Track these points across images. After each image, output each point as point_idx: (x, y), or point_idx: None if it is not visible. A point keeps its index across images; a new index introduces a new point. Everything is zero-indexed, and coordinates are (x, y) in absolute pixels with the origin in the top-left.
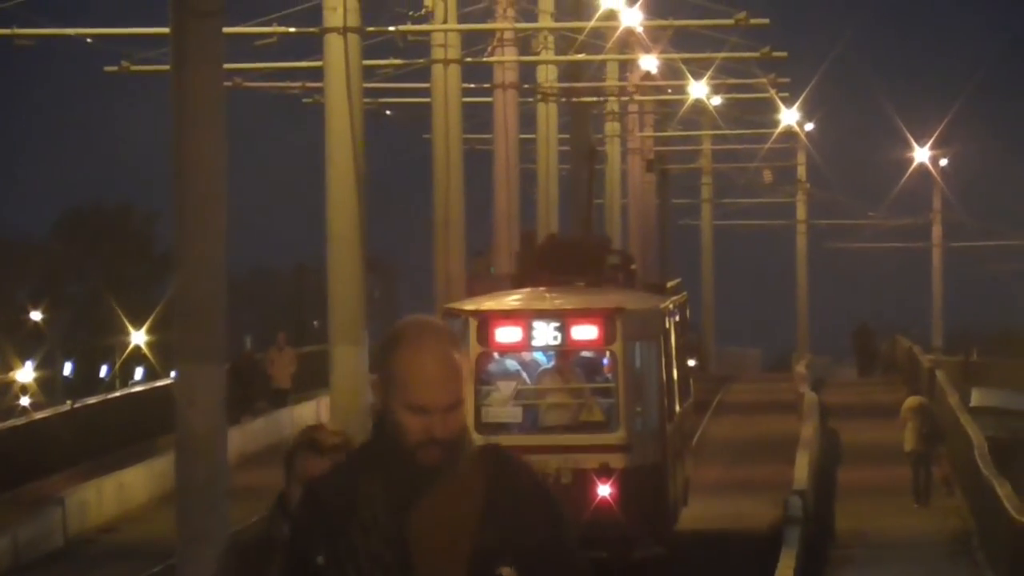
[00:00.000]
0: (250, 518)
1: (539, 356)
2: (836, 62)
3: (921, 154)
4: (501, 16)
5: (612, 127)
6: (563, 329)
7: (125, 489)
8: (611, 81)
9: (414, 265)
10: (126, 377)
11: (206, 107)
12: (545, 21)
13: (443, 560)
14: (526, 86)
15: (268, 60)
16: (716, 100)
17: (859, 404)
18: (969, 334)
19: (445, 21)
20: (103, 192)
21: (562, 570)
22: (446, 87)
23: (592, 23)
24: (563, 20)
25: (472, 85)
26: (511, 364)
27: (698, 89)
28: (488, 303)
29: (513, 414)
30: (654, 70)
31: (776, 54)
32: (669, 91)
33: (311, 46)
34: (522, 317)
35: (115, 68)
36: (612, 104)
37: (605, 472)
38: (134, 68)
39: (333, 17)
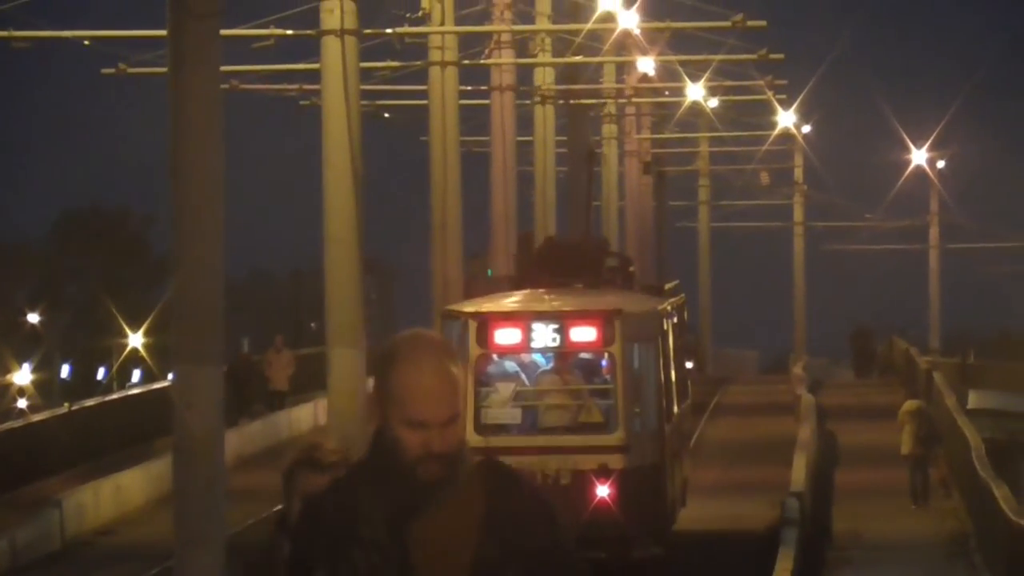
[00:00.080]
0: (247, 520)
1: (538, 358)
2: (833, 64)
3: (918, 156)
4: (498, 18)
5: (609, 129)
6: (562, 331)
7: (122, 491)
8: (608, 83)
9: (411, 267)
10: (123, 379)
11: (203, 109)
12: (542, 23)
13: (444, 573)
14: (523, 88)
15: (265, 62)
16: (713, 102)
17: (856, 406)
18: (966, 336)
19: (442, 23)
20: (101, 194)
21: None
22: (443, 89)
23: (589, 25)
24: (560, 22)
25: (469, 87)
26: (510, 366)
27: (695, 91)
28: (487, 305)
29: (512, 415)
30: (651, 72)
31: (773, 56)
32: (666, 93)
33: (308, 48)
34: (521, 319)
35: (112, 70)
36: (609, 106)
37: (604, 473)
38: (131, 70)
39: (330, 19)
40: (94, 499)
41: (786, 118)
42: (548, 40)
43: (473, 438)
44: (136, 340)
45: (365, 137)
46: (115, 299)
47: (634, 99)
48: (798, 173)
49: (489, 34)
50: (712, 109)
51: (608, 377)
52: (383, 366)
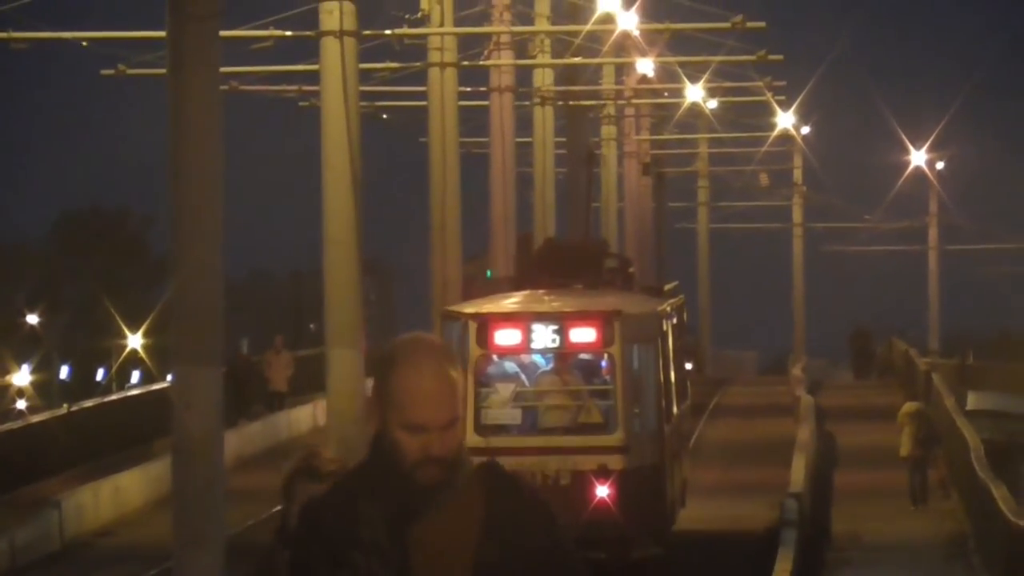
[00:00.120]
0: (247, 521)
1: (538, 358)
2: (833, 65)
3: (917, 157)
4: (497, 20)
5: (608, 130)
6: (562, 331)
7: (121, 492)
8: (607, 84)
9: (411, 268)
10: (123, 380)
11: (203, 110)
12: (541, 25)
13: None
14: (522, 89)
15: (264, 64)
16: (712, 103)
17: (855, 407)
18: (965, 337)
19: (441, 25)
20: (100, 195)
21: None
22: (442, 90)
23: (588, 26)
24: (559, 24)
25: (468, 88)
26: (510, 366)
27: (695, 92)
28: (487, 306)
29: (512, 416)
30: (650, 73)
31: (772, 57)
32: (665, 94)
33: (307, 49)
34: (521, 320)
35: (112, 72)
36: (609, 107)
37: (603, 473)
38: (131, 72)
39: (329, 20)
40: (93, 500)
41: (785, 119)
42: (547, 41)
43: (473, 438)
44: (135, 341)
45: (364, 138)
46: (114, 300)
47: (633, 100)
48: (797, 174)
49: (488, 35)
50: (711, 110)
51: (608, 378)
52: (382, 370)
